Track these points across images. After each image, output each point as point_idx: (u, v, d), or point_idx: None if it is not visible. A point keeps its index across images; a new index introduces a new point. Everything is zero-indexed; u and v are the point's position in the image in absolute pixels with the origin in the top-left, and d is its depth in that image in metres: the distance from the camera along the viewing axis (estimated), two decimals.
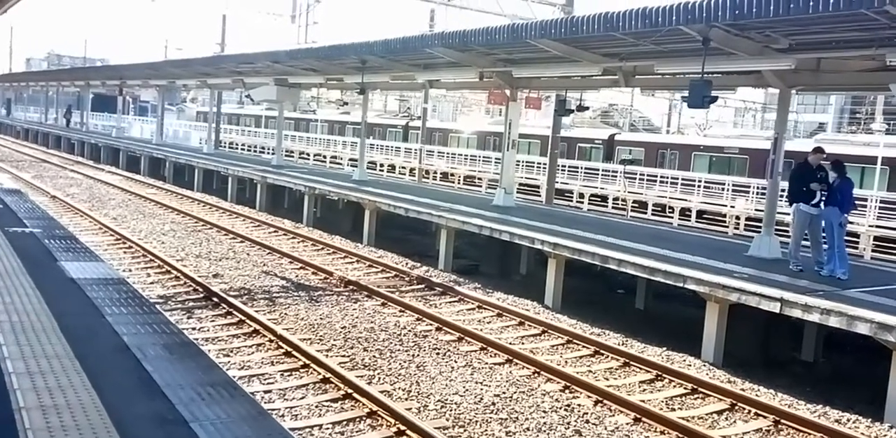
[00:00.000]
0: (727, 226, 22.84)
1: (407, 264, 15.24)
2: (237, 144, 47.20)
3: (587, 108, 20.44)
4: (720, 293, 9.83)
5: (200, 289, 11.99)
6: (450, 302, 12.57)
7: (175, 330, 5.87)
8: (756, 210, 22.34)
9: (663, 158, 28.07)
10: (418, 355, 9.53)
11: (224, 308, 11.05)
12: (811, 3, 8.80)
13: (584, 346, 10.32)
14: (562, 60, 14.39)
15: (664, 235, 15.32)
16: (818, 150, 11.02)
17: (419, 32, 25.41)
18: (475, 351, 9.87)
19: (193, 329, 10.02)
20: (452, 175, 33.74)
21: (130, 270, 13.26)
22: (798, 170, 10.85)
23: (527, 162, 29.86)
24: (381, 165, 36.78)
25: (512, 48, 14.93)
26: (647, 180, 25.65)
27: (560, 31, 12.22)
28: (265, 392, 7.96)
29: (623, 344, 10.48)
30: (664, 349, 10.33)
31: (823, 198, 10.59)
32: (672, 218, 24.10)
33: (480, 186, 31.26)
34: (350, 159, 39.40)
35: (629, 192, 25.76)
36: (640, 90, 35.56)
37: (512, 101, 17.06)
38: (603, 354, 10.02)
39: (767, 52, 11.19)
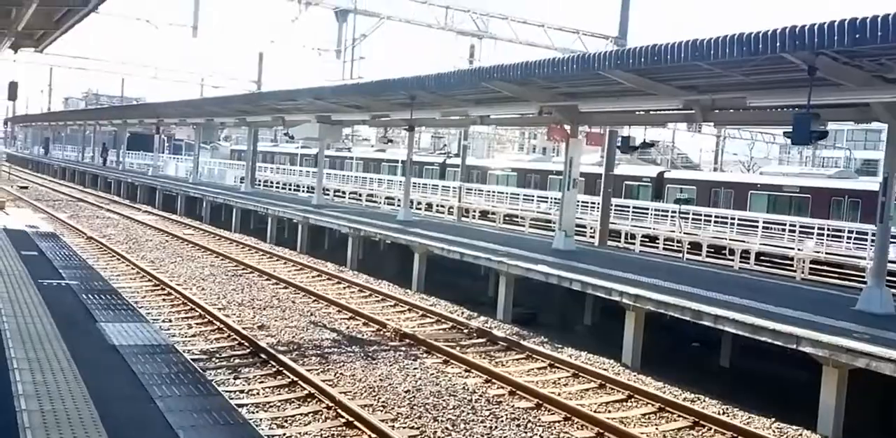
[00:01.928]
0: (794, 270, 21.47)
1: (462, 313, 14.13)
2: (272, 182, 46.72)
3: (653, 145, 19.36)
4: (843, 357, 8.54)
5: (246, 344, 10.95)
6: (517, 360, 11.38)
7: (240, 419, 4.79)
8: (827, 254, 20.99)
9: (717, 197, 26.80)
10: (496, 427, 8.35)
11: (273, 366, 9.99)
12: None
13: (679, 416, 9.05)
14: (633, 93, 13.37)
15: (749, 284, 13.98)
16: None
17: (454, 67, 24.64)
18: (559, 421, 8.65)
19: (241, 392, 8.97)
20: (493, 213, 32.69)
21: (170, 321, 12.30)
22: None
23: None
24: (419, 203, 35.87)
25: (577, 81, 13.97)
26: (703, 220, 24.39)
27: (639, 60, 11.17)
28: None
29: (724, 413, 9.19)
30: (772, 419, 9.03)
31: None
32: (732, 260, 22.79)
33: (522, 225, 30.16)
34: (386, 197, 38.60)
35: (685, 233, 24.46)
36: (687, 126, 34.50)
37: (573, 138, 16.02)
38: (704, 426, 8.74)
39: (875, 82, 10.08)
